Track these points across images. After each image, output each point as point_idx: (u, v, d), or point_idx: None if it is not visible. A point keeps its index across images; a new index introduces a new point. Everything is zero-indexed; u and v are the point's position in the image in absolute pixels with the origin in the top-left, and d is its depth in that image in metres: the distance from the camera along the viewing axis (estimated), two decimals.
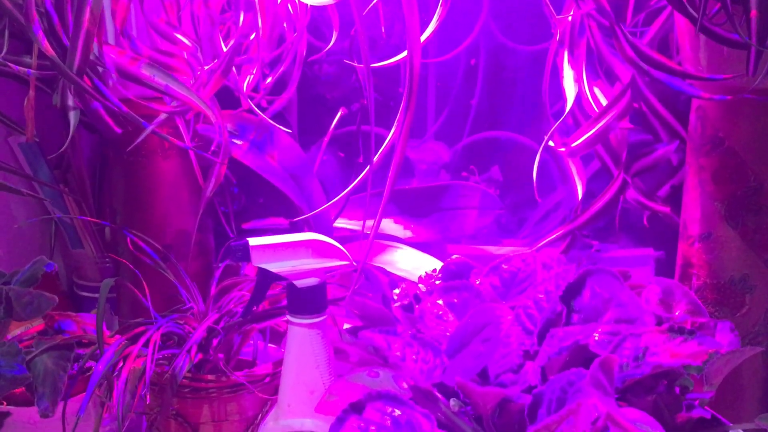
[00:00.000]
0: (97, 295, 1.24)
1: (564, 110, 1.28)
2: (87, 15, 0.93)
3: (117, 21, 1.01)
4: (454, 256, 1.23)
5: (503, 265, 1.11)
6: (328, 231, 1.36)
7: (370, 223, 1.17)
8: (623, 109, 1.16)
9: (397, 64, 1.20)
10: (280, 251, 0.91)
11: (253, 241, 0.91)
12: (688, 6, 0.88)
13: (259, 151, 1.26)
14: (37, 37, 0.93)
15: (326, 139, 1.36)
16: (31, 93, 1.12)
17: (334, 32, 1.28)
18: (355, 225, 1.41)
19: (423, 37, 1.17)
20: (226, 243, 1.37)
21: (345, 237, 1.36)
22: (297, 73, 1.24)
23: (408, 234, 1.42)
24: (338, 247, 0.93)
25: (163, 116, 1.05)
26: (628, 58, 1.04)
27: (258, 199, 1.48)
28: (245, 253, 0.90)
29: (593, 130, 1.17)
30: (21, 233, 1.39)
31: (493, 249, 1.49)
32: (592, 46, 1.25)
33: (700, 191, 1.04)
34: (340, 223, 1.40)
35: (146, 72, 1.01)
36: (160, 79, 1.02)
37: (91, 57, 0.98)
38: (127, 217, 1.27)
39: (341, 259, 0.93)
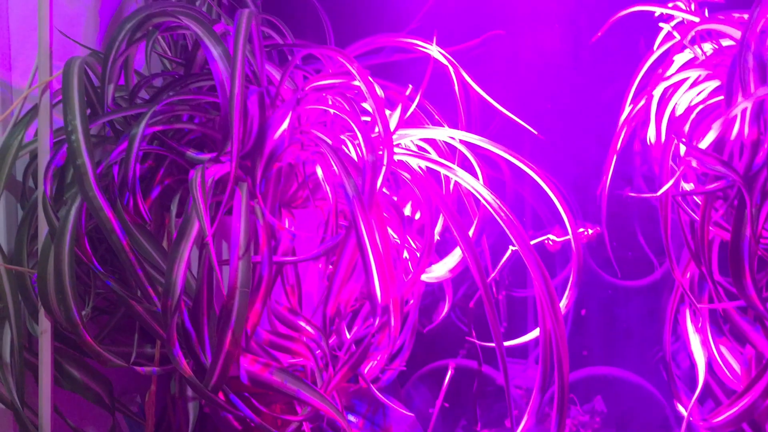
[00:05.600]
0: None
1: (681, 352, 1.23)
2: (229, 337, 0.91)
3: (249, 325, 0.99)
4: None
5: None
6: None
7: None
8: (766, 386, 1.10)
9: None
10: None
11: None
12: None
13: (373, 427, 1.21)
14: (177, 358, 0.91)
15: (438, 403, 1.30)
16: (153, 388, 1.10)
17: (446, 298, 1.26)
18: None
19: (562, 304, 1.13)
20: None
21: None
22: (410, 344, 1.21)
23: None
24: None
25: (294, 426, 1.01)
26: None
27: None
28: None
29: (736, 409, 1.10)
30: None
31: None
32: (716, 302, 1.21)
33: None
34: None
35: (277, 378, 0.98)
36: (291, 385, 0.98)
37: None
38: None
39: None
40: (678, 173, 0.98)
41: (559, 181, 1.29)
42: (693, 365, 1.28)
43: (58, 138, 1.08)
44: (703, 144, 0.93)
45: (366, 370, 1.13)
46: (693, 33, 1.01)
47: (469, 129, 1.26)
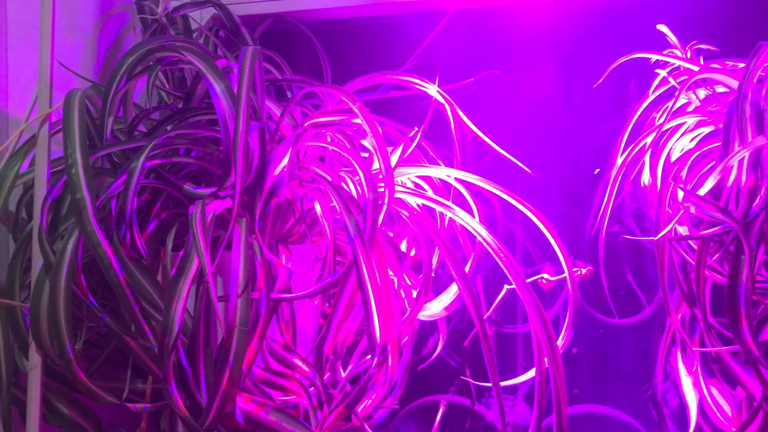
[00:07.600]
0: None
1: (670, 391, 1.24)
2: (226, 377, 0.90)
3: (245, 363, 0.98)
4: None
5: None
6: None
7: None
8: (758, 428, 1.10)
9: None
10: None
11: None
12: None
13: None
14: (173, 398, 0.90)
15: None
16: (143, 425, 1.08)
17: (440, 337, 1.26)
18: None
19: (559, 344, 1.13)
20: None
21: None
22: (402, 382, 1.21)
23: None
24: None
25: None
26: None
27: None
28: None
29: None
30: None
31: None
32: (707, 344, 1.22)
33: None
34: None
35: (273, 417, 0.97)
36: (286, 424, 0.97)
37: None
38: None
39: None
40: (676, 218, 0.99)
41: (549, 219, 1.31)
42: (682, 404, 1.28)
43: (54, 169, 1.07)
44: (702, 190, 0.95)
45: (360, 409, 1.12)
46: (691, 82, 1.03)
47: (464, 167, 1.27)
